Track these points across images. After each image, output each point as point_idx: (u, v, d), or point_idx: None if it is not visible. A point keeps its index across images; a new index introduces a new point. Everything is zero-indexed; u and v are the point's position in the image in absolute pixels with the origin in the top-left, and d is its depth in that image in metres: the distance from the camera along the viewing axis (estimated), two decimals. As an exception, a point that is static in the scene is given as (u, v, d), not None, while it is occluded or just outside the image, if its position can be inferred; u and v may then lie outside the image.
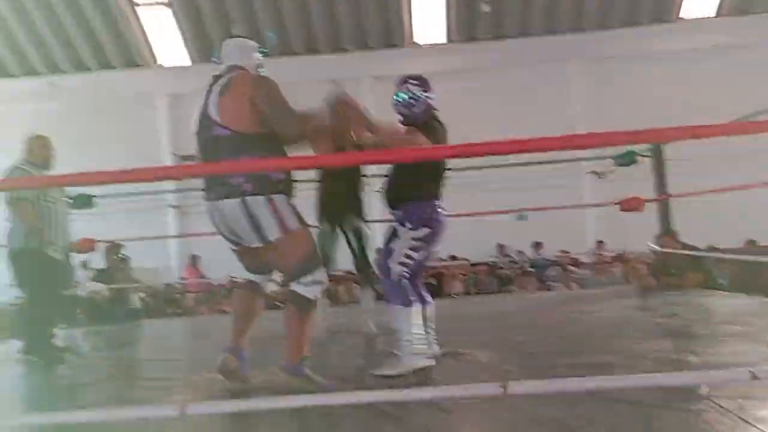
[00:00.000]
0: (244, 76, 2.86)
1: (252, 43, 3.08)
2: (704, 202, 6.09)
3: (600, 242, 11.21)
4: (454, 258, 10.11)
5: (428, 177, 3.24)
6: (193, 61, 12.38)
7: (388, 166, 3.39)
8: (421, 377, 3.00)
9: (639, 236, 6.98)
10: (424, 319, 3.20)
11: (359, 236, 4.49)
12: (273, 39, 3.25)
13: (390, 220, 3.31)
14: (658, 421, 2.21)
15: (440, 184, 3.32)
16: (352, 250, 4.52)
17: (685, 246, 6.11)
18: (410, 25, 12.60)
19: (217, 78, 2.88)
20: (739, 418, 2.13)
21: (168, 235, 11.74)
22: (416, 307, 3.11)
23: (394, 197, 3.28)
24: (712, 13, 12.39)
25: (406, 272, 3.15)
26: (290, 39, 12.41)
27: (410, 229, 3.16)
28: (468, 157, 2.40)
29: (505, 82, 12.38)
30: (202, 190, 2.89)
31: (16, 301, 5.43)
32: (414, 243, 3.16)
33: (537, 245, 11.29)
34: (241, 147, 2.69)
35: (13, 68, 12.77)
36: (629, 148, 5.99)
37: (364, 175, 4.58)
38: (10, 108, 12.31)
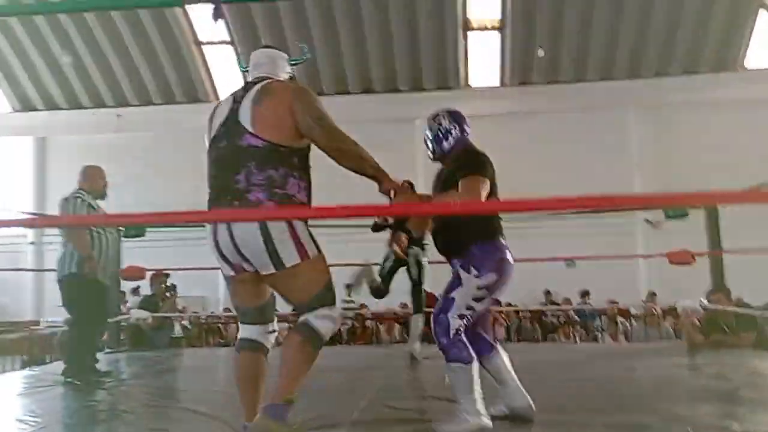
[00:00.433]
0: (282, 84, 2.65)
1: (283, 53, 2.83)
2: (760, 258, 5.87)
3: (652, 294, 10.86)
4: (497, 302, 9.95)
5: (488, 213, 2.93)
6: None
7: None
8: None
9: (693, 290, 6.75)
10: (499, 370, 2.97)
11: (419, 266, 5.03)
12: (305, 51, 3.09)
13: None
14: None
15: (499, 220, 2.99)
16: (411, 277, 5.08)
17: (738, 303, 5.86)
18: (465, 67, 12.75)
19: (247, 87, 2.63)
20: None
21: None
22: (476, 363, 2.80)
23: (454, 242, 2.95)
24: (777, 64, 12.10)
25: (465, 325, 2.83)
26: (346, 77, 12.71)
27: (476, 276, 2.81)
28: (515, 211, 2.36)
29: (559, 128, 12.33)
30: (210, 200, 2.56)
31: (64, 324, 5.62)
32: (478, 293, 2.82)
33: (584, 294, 11.03)
34: (272, 159, 2.46)
35: (84, 100, 13.48)
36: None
37: None
38: (80, 138, 13.04)
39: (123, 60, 12.75)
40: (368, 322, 9.93)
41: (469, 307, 2.81)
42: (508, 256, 2.89)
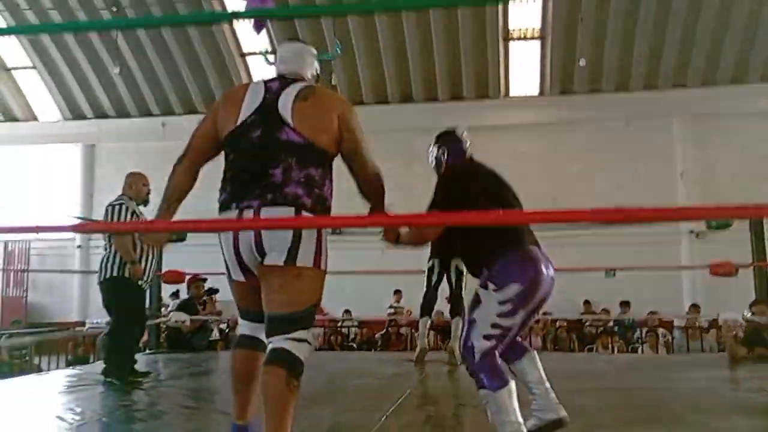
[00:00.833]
0: (327, 91, 2.64)
1: (311, 49, 2.78)
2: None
3: (694, 306, 10.58)
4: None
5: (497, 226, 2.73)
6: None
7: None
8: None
9: (737, 302, 6.58)
10: (524, 373, 2.79)
11: (459, 275, 5.34)
12: (338, 46, 3.11)
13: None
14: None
15: (519, 228, 2.75)
16: (450, 284, 5.39)
17: (782, 316, 5.68)
18: (506, 77, 12.68)
19: (285, 81, 2.55)
20: None
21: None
22: (508, 387, 2.54)
23: (472, 263, 2.85)
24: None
25: (495, 346, 2.59)
26: (387, 87, 12.77)
27: (495, 290, 2.59)
28: (543, 222, 2.28)
29: (601, 137, 12.16)
30: (230, 191, 2.48)
31: (106, 326, 5.79)
32: (501, 308, 2.57)
33: (624, 304, 10.81)
34: (312, 158, 2.41)
35: (132, 109, 13.88)
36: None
37: None
38: (127, 146, 13.44)
39: (169, 70, 13.09)
40: (403, 329, 9.94)
41: (495, 325, 2.57)
42: (540, 264, 2.64)
